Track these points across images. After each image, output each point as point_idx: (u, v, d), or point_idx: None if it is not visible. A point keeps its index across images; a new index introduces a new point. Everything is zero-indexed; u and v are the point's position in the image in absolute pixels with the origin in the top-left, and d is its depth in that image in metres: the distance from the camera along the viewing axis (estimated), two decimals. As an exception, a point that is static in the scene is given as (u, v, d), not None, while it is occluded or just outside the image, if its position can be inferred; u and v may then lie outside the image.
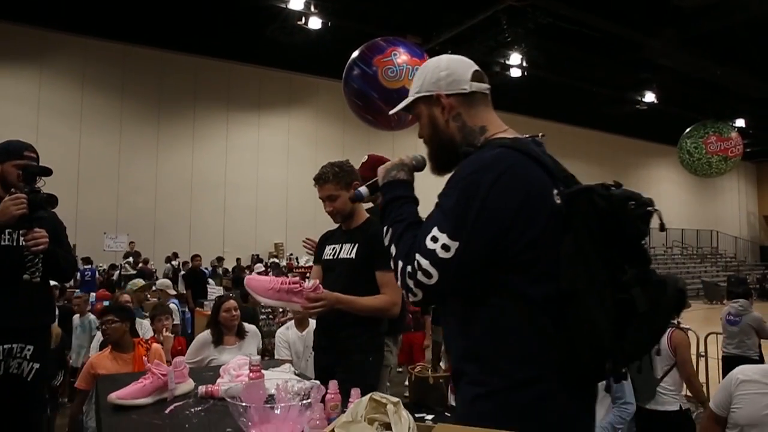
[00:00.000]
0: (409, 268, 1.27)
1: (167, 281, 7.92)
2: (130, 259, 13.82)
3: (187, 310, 8.95)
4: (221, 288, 9.35)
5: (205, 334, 3.90)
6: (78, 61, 15.98)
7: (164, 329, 4.05)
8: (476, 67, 1.49)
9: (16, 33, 14.83)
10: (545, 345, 1.25)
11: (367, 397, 1.07)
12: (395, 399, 1.06)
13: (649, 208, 1.27)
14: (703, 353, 6.18)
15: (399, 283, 1.32)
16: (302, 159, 18.91)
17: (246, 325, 4.08)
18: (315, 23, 13.94)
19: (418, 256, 1.26)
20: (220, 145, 17.94)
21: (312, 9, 13.57)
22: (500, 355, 1.27)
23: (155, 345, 3.50)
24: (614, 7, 12.92)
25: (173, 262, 14.20)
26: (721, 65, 15.99)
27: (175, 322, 5.70)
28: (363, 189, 1.64)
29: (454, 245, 1.23)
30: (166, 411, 1.70)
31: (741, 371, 2.60)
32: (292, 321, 4.15)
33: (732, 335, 5.70)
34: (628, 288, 1.22)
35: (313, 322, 4.13)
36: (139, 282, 6.58)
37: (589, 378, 1.31)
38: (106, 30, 15.35)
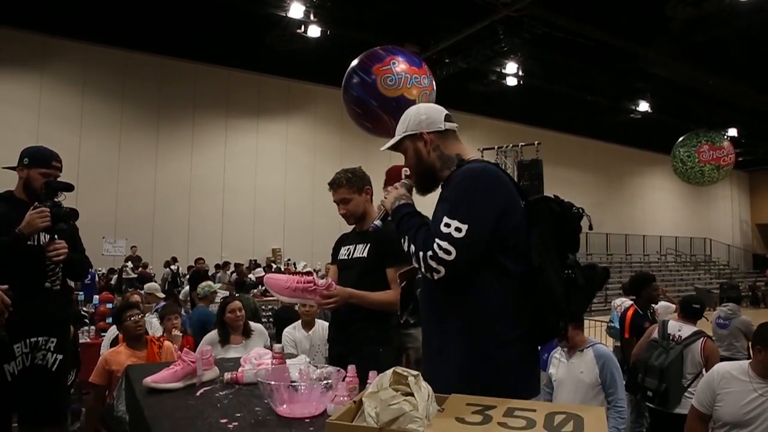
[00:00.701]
0: (429, 252, 1.62)
1: (155, 285, 8.00)
2: (130, 263, 13.91)
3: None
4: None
5: (213, 334, 4.05)
6: (78, 67, 16.10)
7: (173, 328, 4.18)
8: (446, 112, 1.92)
9: (18, 38, 14.94)
10: (519, 311, 1.66)
11: (391, 370, 1.22)
12: (415, 372, 1.22)
13: (584, 213, 1.74)
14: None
15: (422, 269, 1.65)
16: (300, 165, 19.09)
17: (252, 324, 4.23)
18: (314, 31, 14.11)
19: (436, 240, 1.62)
20: (219, 151, 18.07)
21: (311, 17, 13.74)
22: (492, 319, 1.65)
23: (167, 343, 3.64)
24: (609, 18, 13.17)
25: (172, 267, 14.29)
26: (713, 75, 16.27)
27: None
28: (377, 222, 2.02)
29: (464, 227, 1.60)
30: (197, 394, 1.85)
31: (721, 369, 2.75)
32: (299, 321, 4.30)
33: (721, 338, 5.87)
34: (571, 268, 1.69)
35: (318, 323, 4.31)
36: (212, 285, 6.90)
37: (548, 334, 1.76)
38: (106, 36, 15.49)
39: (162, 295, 7.73)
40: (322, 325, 4.28)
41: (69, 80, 15.99)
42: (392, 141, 1.94)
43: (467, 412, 1.14)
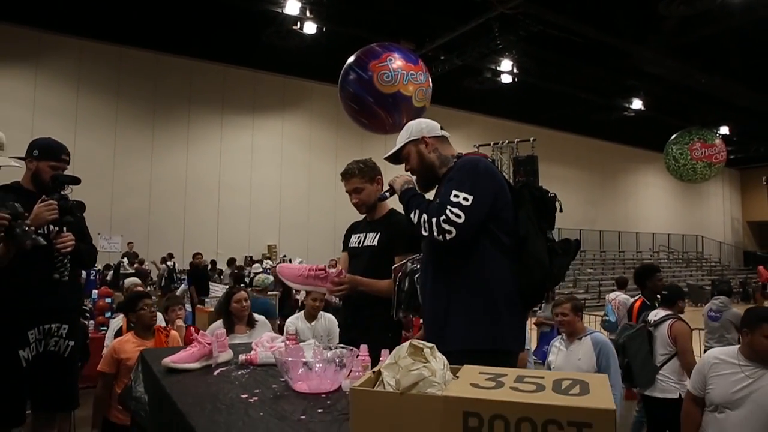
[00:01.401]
0: (443, 217, 1.97)
1: (137, 280, 7.97)
2: (125, 259, 13.95)
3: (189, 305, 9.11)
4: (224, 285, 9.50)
5: (218, 323, 4.12)
6: (73, 63, 16.06)
7: (177, 319, 4.25)
8: (440, 125, 2.33)
9: (12, 34, 14.89)
10: (513, 276, 2.02)
11: (407, 342, 1.30)
12: (430, 344, 1.29)
13: (556, 197, 2.17)
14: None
15: (435, 232, 1.98)
16: (296, 162, 19.13)
17: (256, 315, 4.30)
18: (310, 28, 14.13)
19: (448, 207, 1.98)
20: (215, 147, 18.09)
21: (307, 14, 13.77)
22: (495, 281, 2.01)
23: (173, 332, 3.71)
24: (603, 16, 13.29)
25: (168, 263, 14.32)
26: (706, 73, 16.42)
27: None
28: (387, 193, 2.39)
29: (470, 197, 1.98)
30: (214, 373, 1.92)
31: (712, 354, 2.86)
32: (302, 312, 4.38)
33: (713, 330, 5.99)
34: (551, 241, 2.09)
35: (321, 315, 4.40)
36: (269, 277, 7.15)
37: (538, 295, 2.12)
38: (102, 32, 15.46)
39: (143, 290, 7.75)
40: (326, 317, 4.36)
41: (64, 76, 15.94)
42: (396, 147, 2.29)
43: (481, 379, 1.22)
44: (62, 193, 2.79)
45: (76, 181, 2.87)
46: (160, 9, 13.71)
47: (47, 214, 2.64)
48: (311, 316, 4.33)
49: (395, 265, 2.47)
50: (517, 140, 10.05)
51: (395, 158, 2.33)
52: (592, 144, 26.25)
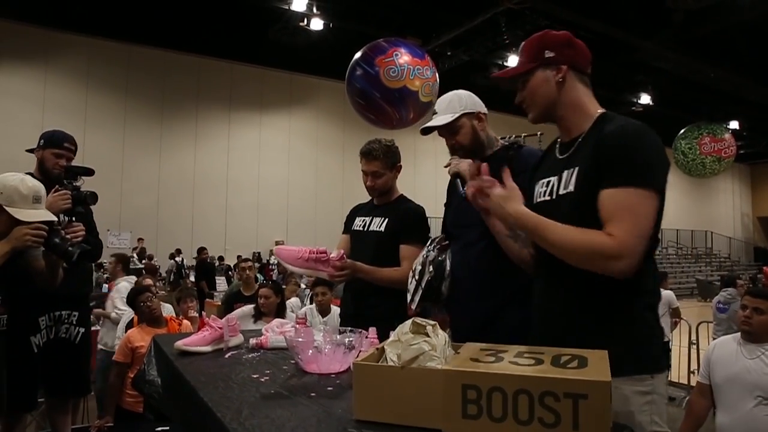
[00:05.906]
0: None
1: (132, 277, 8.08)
2: (134, 255, 14.09)
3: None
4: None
5: (249, 308, 4.13)
6: (83, 61, 16.21)
7: (189, 311, 4.32)
8: None
9: (22, 32, 15.05)
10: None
11: (410, 320, 1.34)
12: (432, 321, 1.34)
13: None
14: (695, 341, 6.49)
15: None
16: (303, 158, 19.20)
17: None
18: (317, 24, 14.22)
19: None
20: (222, 144, 18.19)
21: (314, 10, 13.85)
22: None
23: (186, 321, 3.79)
24: (610, 10, 13.24)
25: (177, 259, 14.47)
26: (715, 68, 16.31)
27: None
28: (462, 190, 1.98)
29: None
30: (225, 356, 1.97)
31: (716, 341, 2.91)
32: (314, 305, 4.39)
33: (721, 322, 6.00)
34: None
35: (334, 309, 4.36)
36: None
37: None
38: (110, 30, 15.61)
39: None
40: (337, 312, 4.35)
41: (73, 74, 16.10)
42: (453, 117, 2.03)
43: (482, 354, 1.27)
44: (75, 183, 2.84)
45: (89, 172, 2.92)
46: (168, 7, 13.82)
47: (61, 203, 2.69)
48: (324, 311, 4.32)
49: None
50: (524, 134, 10.00)
51: (438, 129, 2.08)
52: (600, 139, 26.12)
